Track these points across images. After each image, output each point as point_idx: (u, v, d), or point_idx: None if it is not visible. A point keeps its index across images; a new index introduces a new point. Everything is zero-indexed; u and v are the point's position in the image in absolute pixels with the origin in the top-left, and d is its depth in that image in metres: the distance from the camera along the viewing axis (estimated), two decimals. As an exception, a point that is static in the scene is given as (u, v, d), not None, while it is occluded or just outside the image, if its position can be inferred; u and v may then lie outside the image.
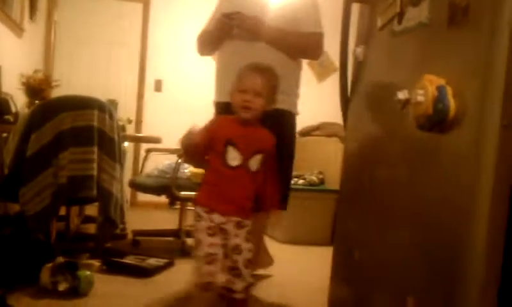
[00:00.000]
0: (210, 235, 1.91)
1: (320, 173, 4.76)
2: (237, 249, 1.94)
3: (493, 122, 1.21)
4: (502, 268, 1.24)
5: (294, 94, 2.66)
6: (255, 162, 1.96)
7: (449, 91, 1.30)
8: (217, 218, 1.92)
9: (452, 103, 1.29)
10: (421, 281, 1.39)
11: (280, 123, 2.55)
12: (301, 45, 2.60)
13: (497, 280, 1.24)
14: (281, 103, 2.50)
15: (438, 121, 1.32)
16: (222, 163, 1.93)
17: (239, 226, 1.95)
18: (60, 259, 2.52)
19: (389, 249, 1.59)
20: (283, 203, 2.64)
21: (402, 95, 1.50)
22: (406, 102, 1.49)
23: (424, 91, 1.35)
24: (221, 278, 1.89)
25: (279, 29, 2.52)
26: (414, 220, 1.47)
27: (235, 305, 1.98)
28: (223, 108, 2.48)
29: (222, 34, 2.60)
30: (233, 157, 1.92)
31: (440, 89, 1.31)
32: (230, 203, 1.93)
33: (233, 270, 1.95)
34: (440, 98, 1.30)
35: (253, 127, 1.98)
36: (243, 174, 1.94)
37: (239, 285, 1.95)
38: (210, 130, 1.99)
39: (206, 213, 1.93)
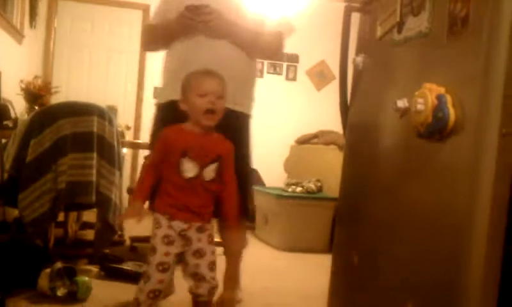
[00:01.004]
0: (167, 243, 1.89)
1: (318, 181, 4.77)
2: (198, 253, 1.94)
3: (493, 130, 1.22)
4: (501, 276, 1.25)
5: (251, 97, 2.56)
6: (210, 171, 1.93)
7: (449, 99, 1.31)
8: (177, 225, 1.91)
9: (451, 111, 1.30)
10: (421, 287, 1.40)
11: (239, 128, 2.46)
12: (265, 44, 2.49)
13: (496, 289, 1.25)
14: (241, 106, 2.44)
15: (437, 129, 1.33)
16: (176, 174, 1.89)
17: (200, 230, 1.94)
18: (58, 264, 2.52)
19: (389, 254, 1.60)
20: (245, 214, 2.51)
21: (401, 104, 1.51)
22: (406, 111, 1.50)
23: (424, 99, 1.36)
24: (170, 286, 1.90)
25: (245, 26, 2.40)
26: (413, 227, 1.48)
27: (200, 304, 2.00)
28: (175, 107, 2.15)
29: (185, 31, 2.38)
30: (188, 169, 1.89)
31: (440, 97, 1.32)
32: (188, 211, 1.91)
33: (196, 276, 1.95)
34: (439, 107, 1.31)
35: (209, 135, 1.94)
36: (197, 185, 1.91)
37: (203, 289, 1.96)
38: (166, 142, 1.94)
39: (166, 221, 1.91)
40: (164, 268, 1.88)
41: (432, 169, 1.41)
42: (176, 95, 2.15)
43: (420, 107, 1.36)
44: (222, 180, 1.98)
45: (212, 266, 1.96)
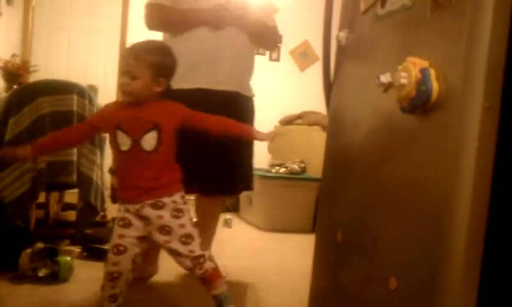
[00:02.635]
0: (121, 226, 1.87)
1: (302, 161, 4.76)
2: (163, 230, 1.86)
3: (476, 104, 1.22)
4: (484, 251, 1.25)
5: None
6: (149, 140, 1.84)
7: (432, 73, 1.31)
8: (132, 206, 1.86)
9: (435, 85, 1.29)
10: (405, 262, 1.40)
11: (247, 111, 2.68)
12: (271, 37, 2.78)
13: (479, 265, 1.25)
14: (248, 91, 2.71)
15: (421, 103, 1.33)
16: (116, 149, 1.87)
17: (156, 206, 1.85)
18: (39, 245, 2.50)
19: (372, 231, 1.60)
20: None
21: (384, 78, 1.50)
22: (389, 86, 1.49)
23: (407, 73, 1.35)
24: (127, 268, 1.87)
25: (257, 18, 2.62)
26: (396, 203, 1.48)
27: (203, 280, 1.93)
28: (204, 95, 2.45)
29: (218, 22, 2.49)
30: (123, 142, 1.84)
31: (423, 71, 1.32)
32: (133, 188, 1.86)
33: (172, 252, 1.89)
34: (423, 80, 1.31)
35: (145, 105, 1.86)
36: (136, 157, 1.84)
37: (185, 264, 1.89)
38: (100, 115, 1.98)
39: (122, 204, 1.89)
40: (118, 250, 1.85)
41: (415, 144, 1.40)
42: (205, 83, 2.50)
43: (403, 80, 1.35)
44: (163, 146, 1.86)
45: (184, 239, 1.86)
